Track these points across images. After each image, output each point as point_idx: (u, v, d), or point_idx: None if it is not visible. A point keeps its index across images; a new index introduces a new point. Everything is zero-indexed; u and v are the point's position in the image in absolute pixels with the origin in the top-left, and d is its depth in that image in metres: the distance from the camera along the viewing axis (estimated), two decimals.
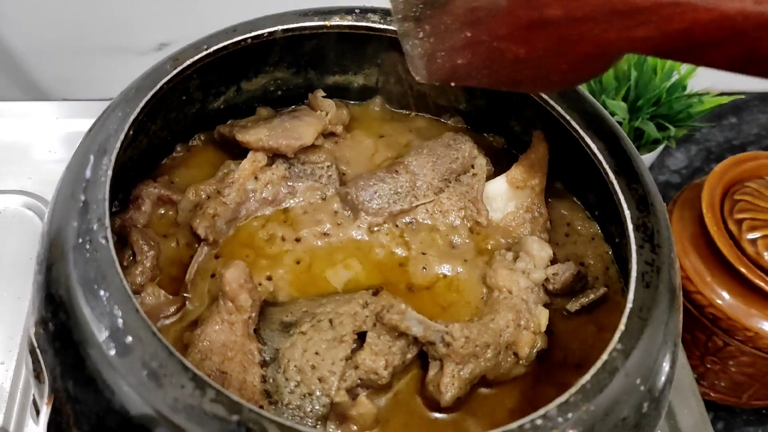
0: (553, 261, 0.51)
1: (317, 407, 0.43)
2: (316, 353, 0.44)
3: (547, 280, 0.49)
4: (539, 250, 0.50)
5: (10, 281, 0.64)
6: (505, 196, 0.54)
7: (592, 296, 0.49)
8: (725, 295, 0.75)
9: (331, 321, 0.45)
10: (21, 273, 0.64)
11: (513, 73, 0.40)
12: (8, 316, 0.62)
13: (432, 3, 0.43)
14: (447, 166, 0.54)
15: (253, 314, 0.45)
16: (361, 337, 0.45)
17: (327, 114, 0.56)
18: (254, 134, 0.53)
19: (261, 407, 0.42)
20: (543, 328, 0.47)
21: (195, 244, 0.51)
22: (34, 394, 0.43)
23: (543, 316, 0.48)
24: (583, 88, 0.87)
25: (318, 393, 0.43)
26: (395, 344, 0.45)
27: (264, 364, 0.44)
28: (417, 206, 0.53)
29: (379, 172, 0.54)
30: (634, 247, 0.42)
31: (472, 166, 0.55)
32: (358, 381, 0.44)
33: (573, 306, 0.49)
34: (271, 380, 0.44)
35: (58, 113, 0.77)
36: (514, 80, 0.41)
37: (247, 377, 0.43)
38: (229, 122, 0.57)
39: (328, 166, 0.55)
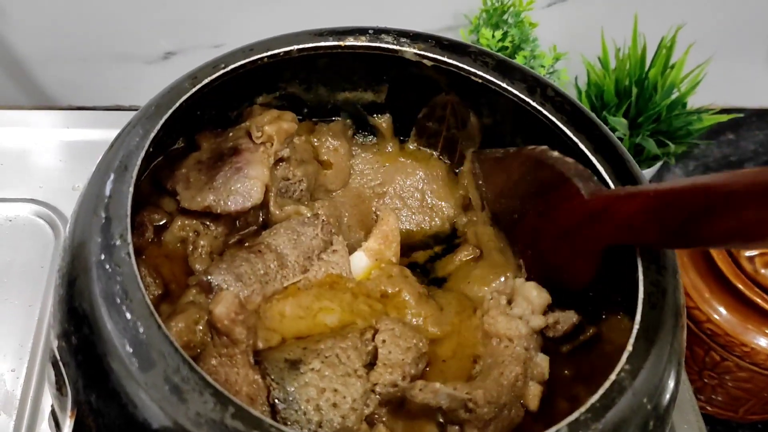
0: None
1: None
2: (335, 390, 0.44)
3: (547, 327, 0.50)
4: (537, 296, 0.50)
5: (21, 289, 0.65)
6: (367, 269, 0.55)
7: (581, 338, 0.50)
8: (723, 311, 0.77)
9: (338, 356, 0.46)
10: (32, 281, 0.65)
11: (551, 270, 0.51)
12: (19, 324, 0.63)
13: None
14: (308, 244, 0.52)
15: (251, 341, 0.45)
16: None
17: (271, 145, 0.54)
18: (199, 202, 0.50)
19: None
20: (546, 376, 0.48)
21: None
22: (53, 406, 0.44)
23: (545, 364, 0.48)
24: (585, 105, 0.89)
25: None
26: (407, 356, 0.45)
27: (274, 405, 0.44)
28: (288, 286, 0.51)
29: (239, 252, 0.51)
30: (640, 269, 0.43)
31: (331, 243, 0.54)
32: (378, 400, 0.44)
33: (565, 348, 0.50)
34: (289, 422, 0.43)
35: (67, 122, 0.78)
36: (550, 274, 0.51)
37: (255, 408, 0.43)
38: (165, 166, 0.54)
39: (300, 181, 0.55)
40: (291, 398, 0.44)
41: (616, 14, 0.93)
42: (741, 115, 1.02)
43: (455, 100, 0.58)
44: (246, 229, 0.55)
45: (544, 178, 0.49)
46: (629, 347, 0.39)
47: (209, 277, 0.48)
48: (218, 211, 0.50)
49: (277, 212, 0.54)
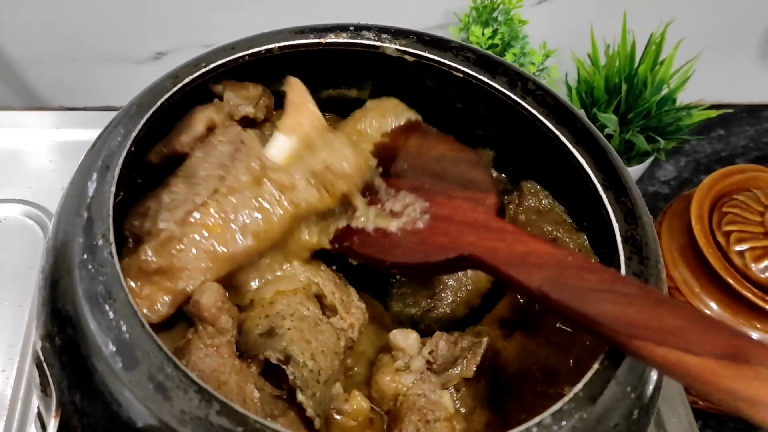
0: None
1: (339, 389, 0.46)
2: (317, 338, 0.46)
3: (428, 362, 0.49)
4: (404, 339, 0.49)
5: (11, 290, 0.65)
6: (290, 149, 0.50)
7: (480, 351, 0.49)
8: (713, 305, 0.77)
9: (299, 310, 0.47)
10: (21, 281, 0.65)
11: (377, 249, 0.50)
12: (9, 325, 0.63)
13: None
14: (216, 155, 0.49)
15: (234, 332, 0.45)
16: None
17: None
18: (159, 149, 0.51)
19: None
20: (452, 410, 0.47)
21: None
22: (39, 407, 0.44)
23: (446, 399, 0.47)
24: (574, 103, 0.90)
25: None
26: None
27: (282, 371, 0.44)
28: (202, 203, 0.46)
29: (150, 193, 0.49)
30: (623, 259, 0.43)
31: (242, 141, 0.50)
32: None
33: (469, 372, 0.48)
34: (298, 378, 0.44)
35: (57, 123, 0.78)
36: (373, 254, 0.50)
37: (246, 397, 0.44)
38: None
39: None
40: (289, 355, 0.44)
41: (605, 11, 0.93)
42: (731, 111, 1.02)
43: None
44: None
45: (470, 175, 0.51)
46: None
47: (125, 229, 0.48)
48: (172, 148, 0.51)
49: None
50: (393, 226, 0.49)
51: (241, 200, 0.46)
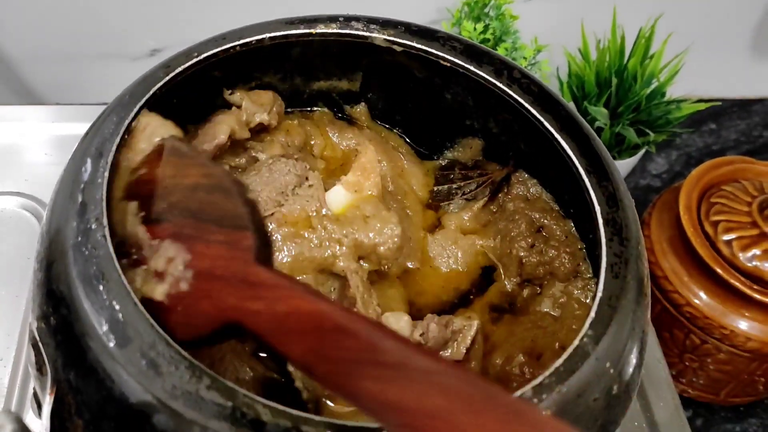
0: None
1: None
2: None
3: (419, 344, 0.49)
4: (396, 321, 0.49)
5: (8, 280, 0.66)
6: (346, 204, 0.54)
7: (470, 333, 0.49)
8: (702, 294, 0.78)
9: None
10: (18, 272, 0.66)
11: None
12: (7, 315, 0.64)
13: None
14: (281, 180, 0.52)
15: None
16: None
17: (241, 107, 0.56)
18: None
19: None
20: None
21: None
22: (34, 388, 0.45)
23: None
24: (565, 96, 0.91)
25: None
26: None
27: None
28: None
29: None
30: (604, 240, 0.44)
31: (307, 178, 0.53)
32: None
33: (459, 354, 0.48)
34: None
35: (52, 117, 0.79)
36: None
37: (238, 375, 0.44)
38: None
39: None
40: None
41: (595, 6, 0.94)
42: (719, 103, 1.03)
43: None
44: None
45: (225, 208, 0.41)
46: (592, 314, 0.41)
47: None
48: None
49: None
50: (158, 293, 0.41)
51: (289, 232, 0.50)
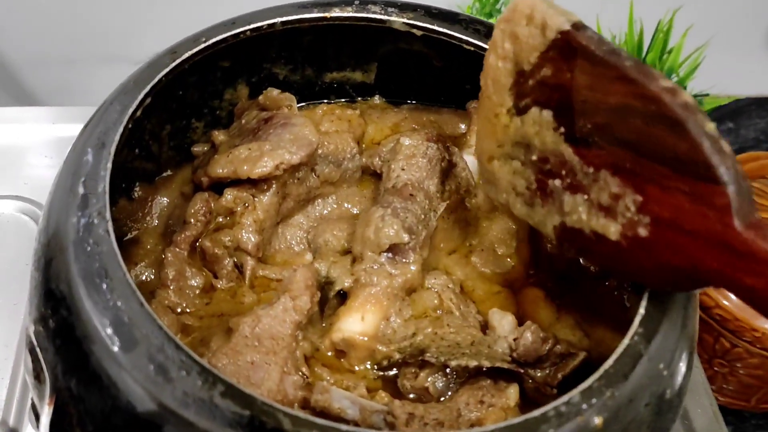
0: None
1: None
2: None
3: (510, 348, 0.45)
4: (500, 319, 0.46)
5: (6, 287, 0.63)
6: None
7: (572, 363, 0.44)
8: (731, 295, 0.75)
9: None
10: (17, 279, 0.63)
11: (607, 259, 0.39)
12: (4, 323, 0.61)
13: None
14: (440, 167, 0.50)
15: (304, 321, 0.44)
16: None
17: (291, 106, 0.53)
18: (266, 162, 0.47)
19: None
20: (512, 404, 0.43)
21: None
22: (32, 398, 0.42)
23: (513, 392, 0.43)
24: None
25: None
26: None
27: None
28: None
29: (393, 202, 0.47)
30: None
31: (450, 157, 0.51)
32: None
33: (554, 380, 0.44)
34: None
35: (53, 118, 0.77)
36: (607, 264, 0.41)
37: (285, 383, 0.41)
38: (195, 163, 0.54)
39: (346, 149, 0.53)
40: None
41: (611, 1, 0.92)
42: (742, 99, 1.01)
43: None
44: (297, 191, 0.51)
45: (676, 148, 0.34)
46: (641, 310, 0.37)
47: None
48: (293, 161, 0.47)
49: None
50: (612, 232, 0.37)
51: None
